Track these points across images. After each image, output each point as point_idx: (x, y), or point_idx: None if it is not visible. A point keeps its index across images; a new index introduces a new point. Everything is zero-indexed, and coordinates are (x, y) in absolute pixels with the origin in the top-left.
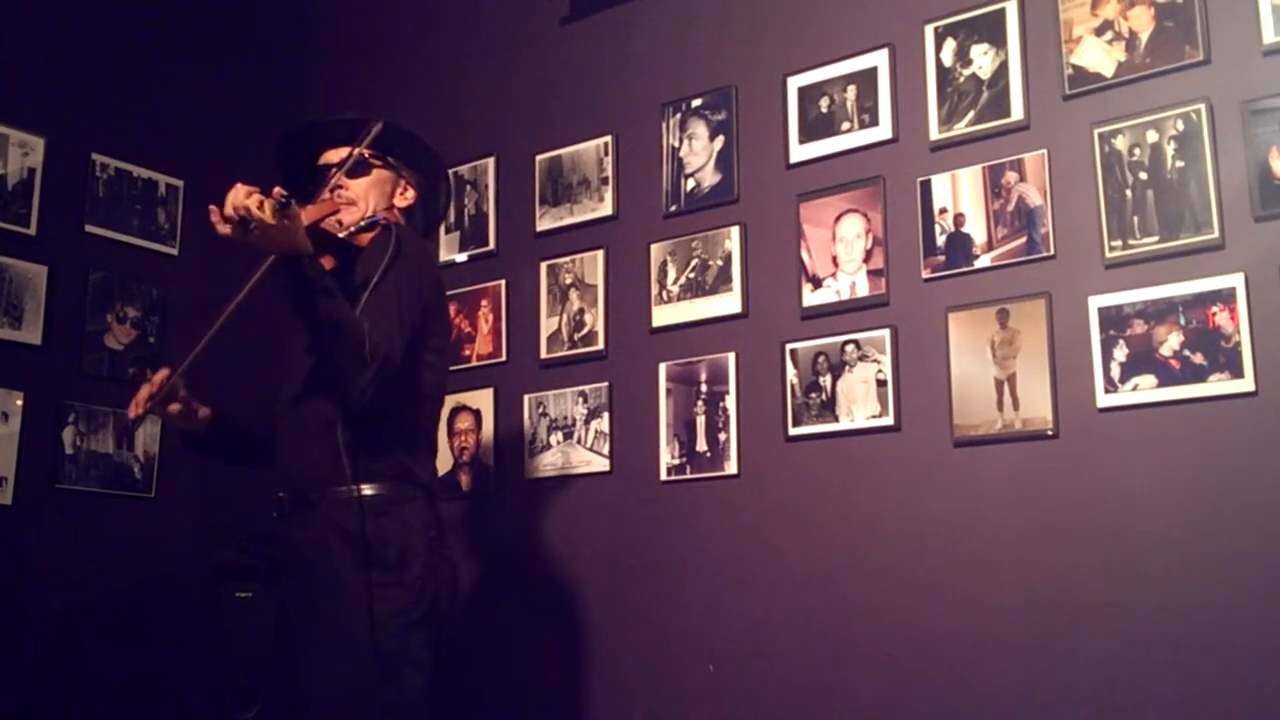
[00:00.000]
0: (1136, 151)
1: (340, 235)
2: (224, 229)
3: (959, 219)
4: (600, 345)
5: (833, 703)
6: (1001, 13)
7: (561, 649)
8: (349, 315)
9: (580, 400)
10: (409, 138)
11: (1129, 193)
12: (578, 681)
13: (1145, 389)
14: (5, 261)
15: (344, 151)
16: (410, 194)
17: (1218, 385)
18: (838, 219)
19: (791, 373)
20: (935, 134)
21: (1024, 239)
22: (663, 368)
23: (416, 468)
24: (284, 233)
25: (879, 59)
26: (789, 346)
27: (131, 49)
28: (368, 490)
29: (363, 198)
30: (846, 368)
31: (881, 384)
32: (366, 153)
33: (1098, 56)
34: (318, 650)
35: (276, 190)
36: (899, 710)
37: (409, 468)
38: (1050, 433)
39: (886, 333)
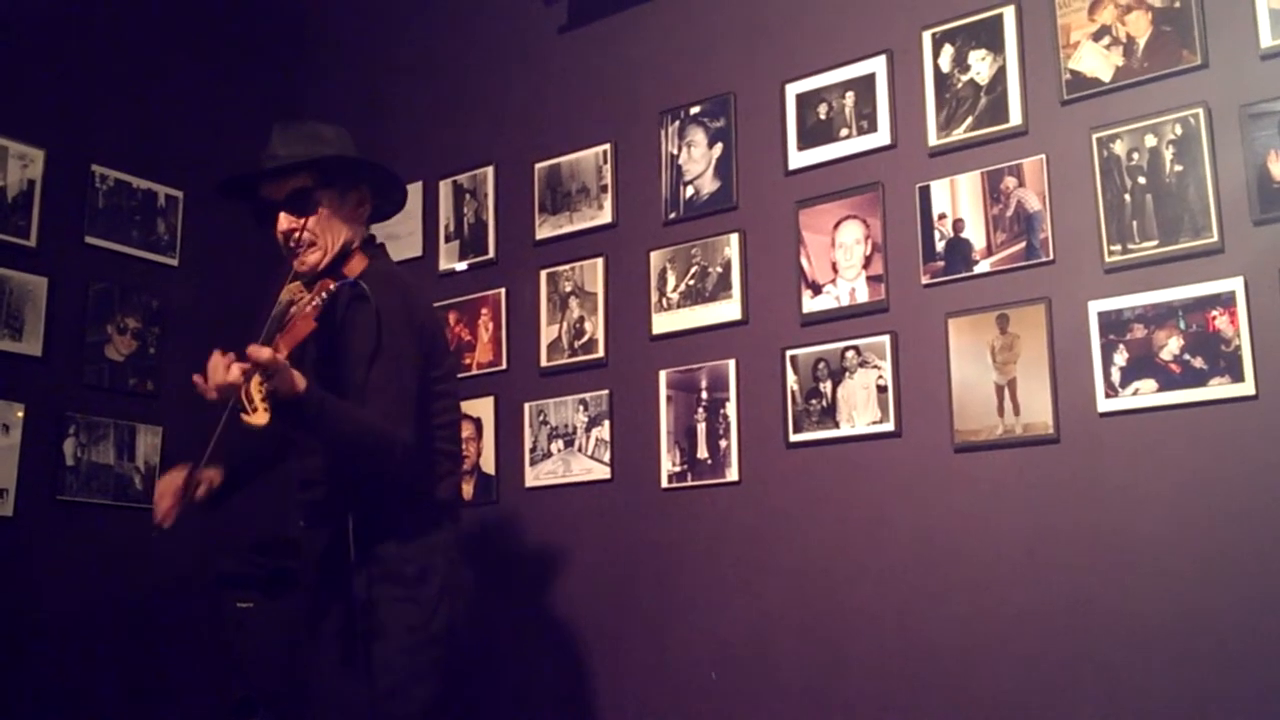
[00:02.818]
0: (1135, 156)
1: (315, 324)
2: (212, 396)
3: (958, 224)
4: (600, 353)
5: (834, 708)
6: (999, 18)
7: (563, 657)
8: (361, 428)
9: (581, 408)
10: (338, 160)
11: (1128, 197)
12: (580, 689)
13: (1146, 393)
14: (5, 273)
15: (288, 186)
16: (367, 204)
17: (1218, 389)
18: (837, 225)
19: (792, 379)
20: (934, 140)
21: (1023, 244)
22: (663, 375)
23: (439, 492)
24: (277, 393)
25: (877, 65)
26: (789, 353)
27: (131, 60)
28: (390, 509)
29: (322, 234)
30: (847, 374)
31: (882, 390)
32: (309, 183)
33: (1096, 61)
34: (330, 662)
35: (255, 354)
36: (901, 716)
37: (430, 491)
38: (1051, 437)
39: (886, 339)
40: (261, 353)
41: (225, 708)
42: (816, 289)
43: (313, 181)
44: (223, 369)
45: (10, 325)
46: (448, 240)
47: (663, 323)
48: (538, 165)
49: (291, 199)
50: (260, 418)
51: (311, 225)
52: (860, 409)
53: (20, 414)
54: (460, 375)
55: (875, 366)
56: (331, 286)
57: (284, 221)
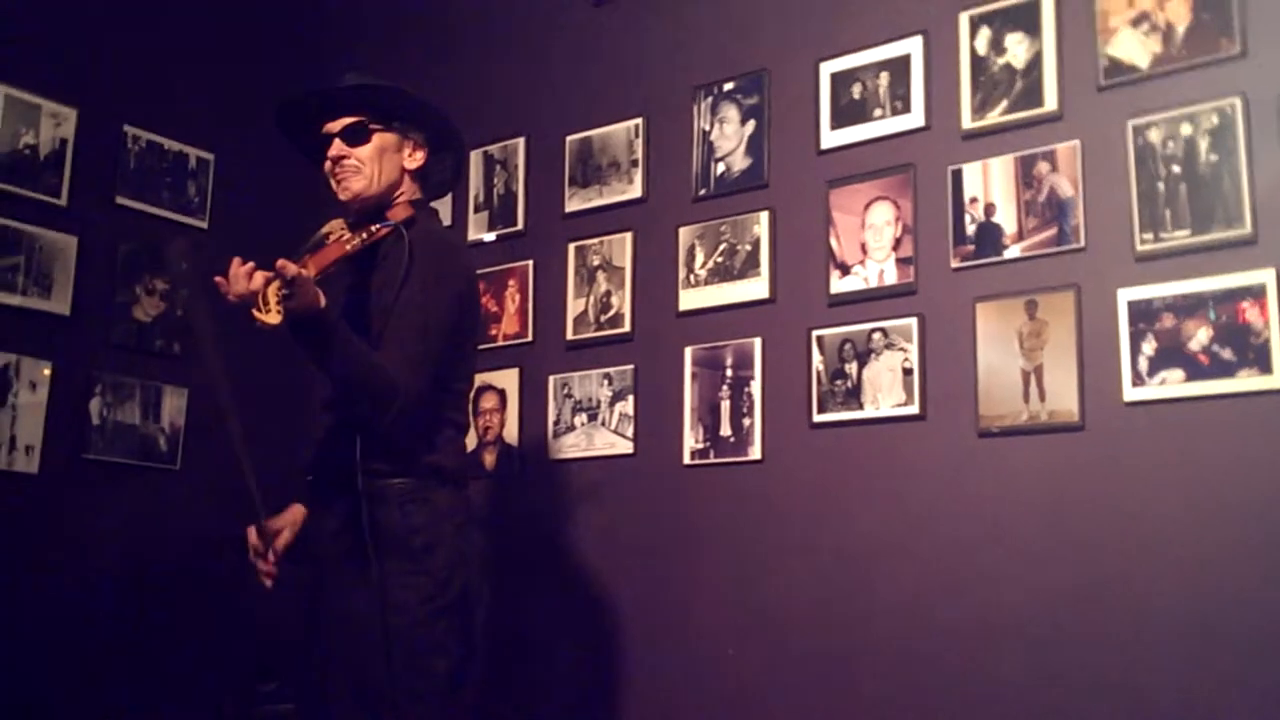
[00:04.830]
0: (1170, 144)
1: (348, 251)
2: (232, 299)
3: (989, 209)
4: (627, 328)
5: (853, 687)
6: (1037, 2)
7: (582, 630)
8: (366, 365)
9: (605, 382)
10: (413, 101)
11: (1161, 186)
12: (598, 663)
13: (1173, 383)
14: (36, 231)
15: (345, 120)
16: (420, 155)
17: (1246, 381)
18: (867, 206)
19: (817, 359)
20: (968, 123)
21: (1054, 230)
22: (688, 351)
23: (443, 458)
24: (295, 307)
25: (913, 46)
26: (815, 333)
27: (164, 22)
28: (395, 481)
29: (369, 164)
30: (873, 355)
31: (908, 372)
32: (365, 118)
33: (1133, 48)
34: (343, 640)
35: (282, 267)
36: (920, 697)
37: (436, 460)
38: (1076, 425)
39: (914, 321)
40: (289, 267)
41: (245, 669)
42: (845, 269)
43: (369, 118)
44: (244, 276)
45: (40, 284)
46: (477, 210)
47: (690, 299)
48: (569, 138)
49: (346, 131)
50: (272, 317)
51: (360, 154)
52: (885, 391)
53: (48, 372)
54: (486, 346)
55: (902, 349)
56: (375, 228)
57: (335, 148)
